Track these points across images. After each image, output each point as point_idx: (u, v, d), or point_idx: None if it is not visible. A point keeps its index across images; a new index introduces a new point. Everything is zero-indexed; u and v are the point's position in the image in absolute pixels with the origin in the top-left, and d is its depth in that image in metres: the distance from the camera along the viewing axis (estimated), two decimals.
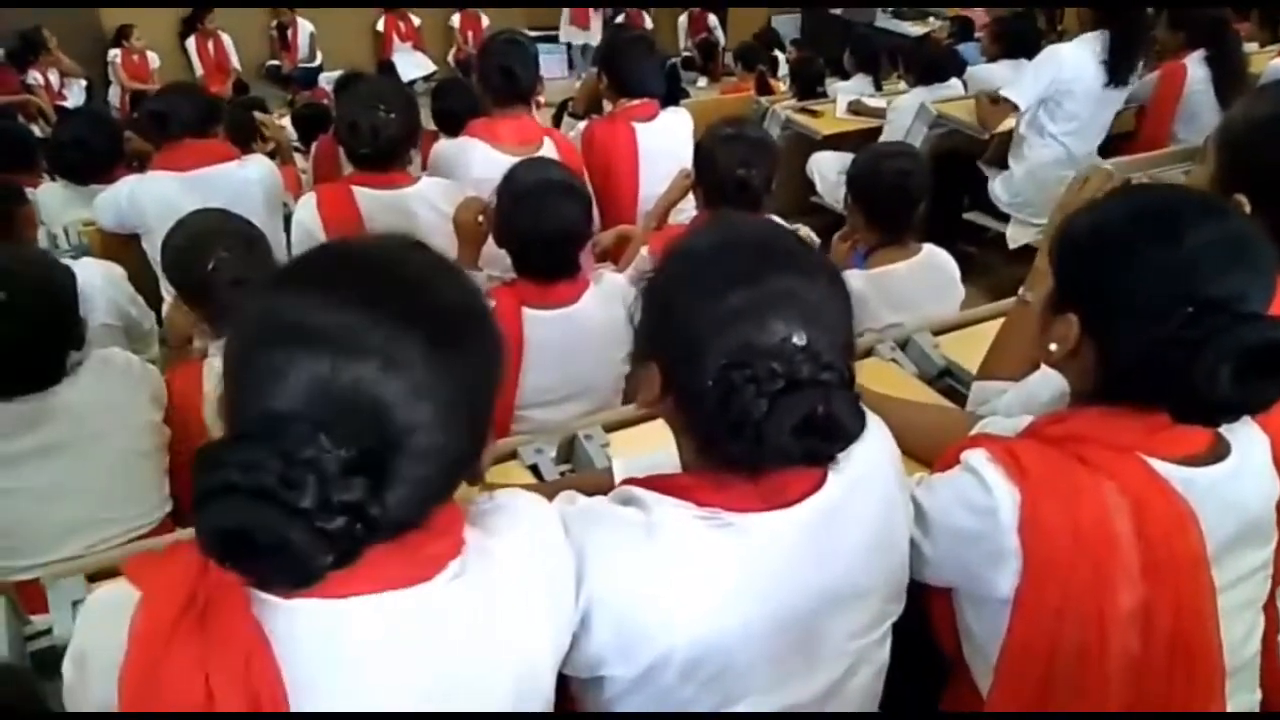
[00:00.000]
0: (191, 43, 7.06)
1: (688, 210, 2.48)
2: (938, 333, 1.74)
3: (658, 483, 0.91)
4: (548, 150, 2.65)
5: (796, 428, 0.78)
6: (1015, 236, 3.36)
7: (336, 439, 0.62)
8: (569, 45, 8.32)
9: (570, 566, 0.85)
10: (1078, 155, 3.20)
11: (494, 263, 2.08)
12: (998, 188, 3.42)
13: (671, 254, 0.93)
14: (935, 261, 2.15)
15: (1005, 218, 3.43)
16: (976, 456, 0.99)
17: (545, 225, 1.72)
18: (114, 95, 6.80)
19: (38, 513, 1.42)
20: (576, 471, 1.40)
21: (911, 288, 2.10)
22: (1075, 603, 0.93)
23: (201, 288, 1.58)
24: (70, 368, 1.46)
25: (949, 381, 1.65)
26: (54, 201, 2.91)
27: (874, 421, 0.99)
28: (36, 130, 5.81)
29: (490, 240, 1.92)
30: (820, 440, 0.80)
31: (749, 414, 0.78)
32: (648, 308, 0.92)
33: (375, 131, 2.13)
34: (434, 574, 0.73)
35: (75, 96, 6.56)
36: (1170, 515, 0.94)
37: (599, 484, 1.08)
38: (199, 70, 7.08)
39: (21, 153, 3.26)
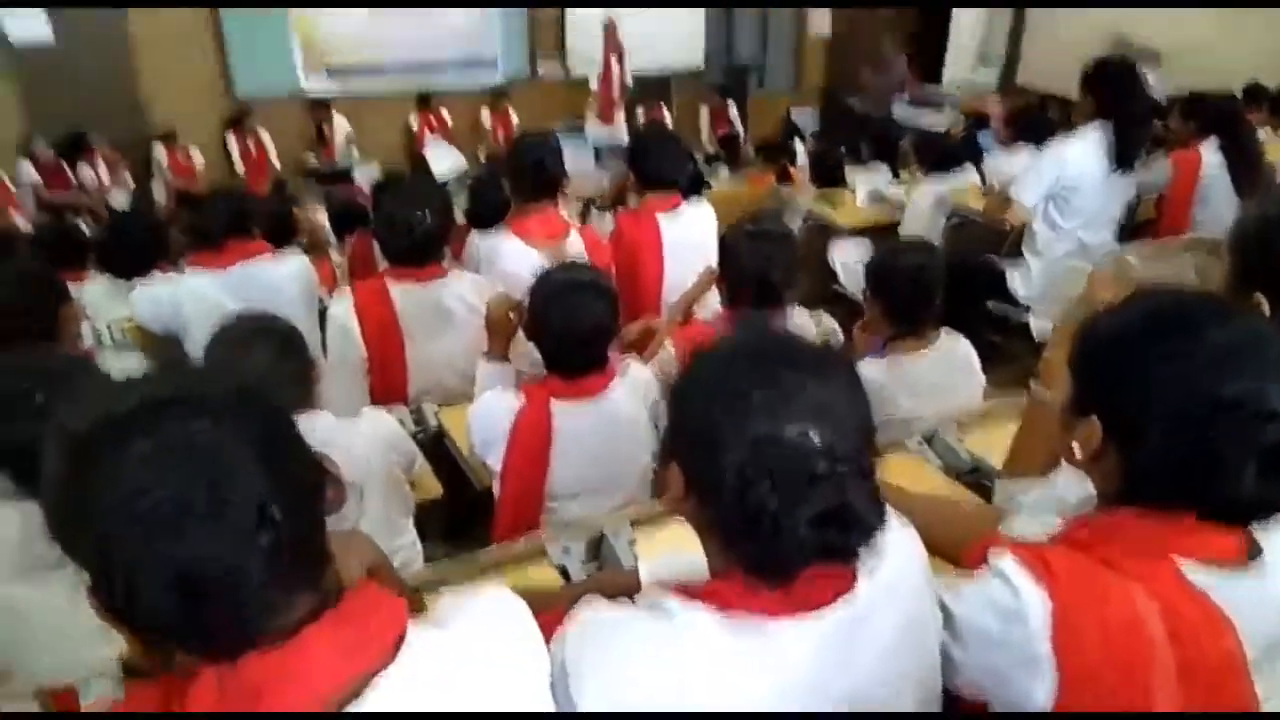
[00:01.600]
0: (233, 142, 7.37)
1: (712, 304, 2.53)
2: (962, 426, 1.75)
3: (685, 587, 0.92)
4: (574, 242, 2.73)
5: (813, 519, 0.80)
6: (1039, 328, 3.37)
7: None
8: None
9: (542, 655, 0.87)
10: (1092, 246, 3.23)
11: (523, 356, 2.13)
12: (1016, 281, 3.45)
13: (694, 359, 0.97)
14: (953, 350, 2.17)
15: (1026, 307, 3.45)
16: (1004, 560, 0.98)
17: (576, 323, 1.77)
18: (159, 192, 7.07)
19: (72, 615, 1.42)
20: (604, 570, 1.41)
21: (930, 376, 2.12)
22: (1113, 710, 0.91)
23: None
24: None
25: (977, 476, 1.65)
26: (99, 298, 3.01)
27: (901, 525, 1.00)
28: (84, 226, 6.07)
29: (520, 334, 1.97)
30: (838, 532, 0.82)
31: (765, 507, 0.80)
32: (672, 410, 0.95)
33: (411, 229, 2.22)
34: (376, 664, 0.74)
35: (121, 193, 6.83)
36: (1203, 619, 0.93)
37: (626, 584, 1.09)
38: (240, 168, 7.36)
39: (71, 250, 3.41)
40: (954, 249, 3.74)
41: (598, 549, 1.43)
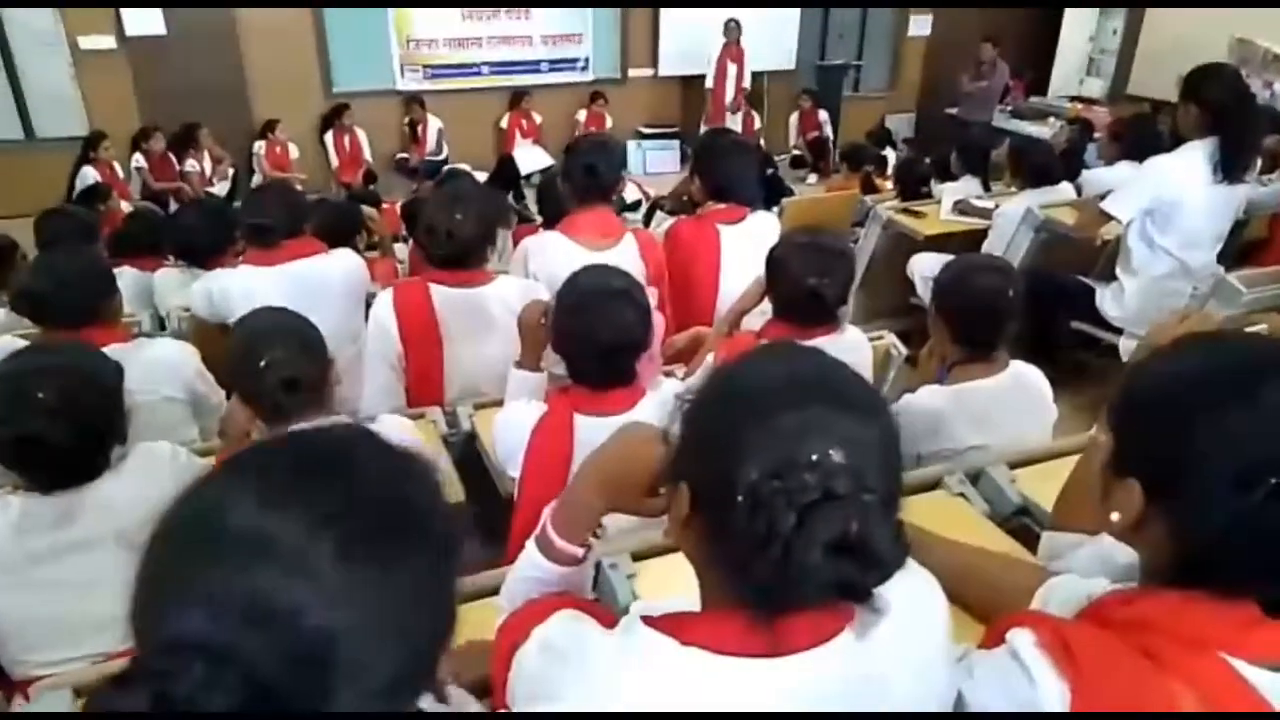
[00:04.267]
0: (330, 137, 7.58)
1: (767, 312, 2.40)
2: (1017, 465, 1.58)
3: (669, 619, 0.82)
4: (628, 245, 2.64)
5: (828, 546, 0.69)
6: (1130, 349, 3.10)
7: (246, 657, 0.55)
8: (680, 141, 8.50)
9: None
10: (1193, 267, 2.97)
11: (559, 362, 2.05)
12: (1107, 302, 3.20)
13: (717, 377, 0.86)
14: (1023, 379, 1.97)
15: (1116, 329, 3.19)
16: (1022, 640, 0.85)
17: (600, 334, 1.68)
18: (256, 182, 7.34)
19: (73, 608, 1.42)
20: (601, 602, 1.31)
21: (997, 406, 1.93)
22: None
23: (254, 385, 1.60)
24: (114, 461, 1.48)
25: (1024, 520, 1.48)
26: (169, 285, 3.10)
27: (925, 579, 0.88)
28: None
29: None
30: (853, 565, 0.70)
31: (777, 528, 0.70)
32: (687, 425, 0.85)
33: (450, 234, 2.17)
34: None
35: (222, 184, 7.12)
36: None
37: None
38: (334, 162, 7.57)
39: (149, 237, 3.54)
40: (1042, 265, 3.49)
41: (595, 579, 1.34)
